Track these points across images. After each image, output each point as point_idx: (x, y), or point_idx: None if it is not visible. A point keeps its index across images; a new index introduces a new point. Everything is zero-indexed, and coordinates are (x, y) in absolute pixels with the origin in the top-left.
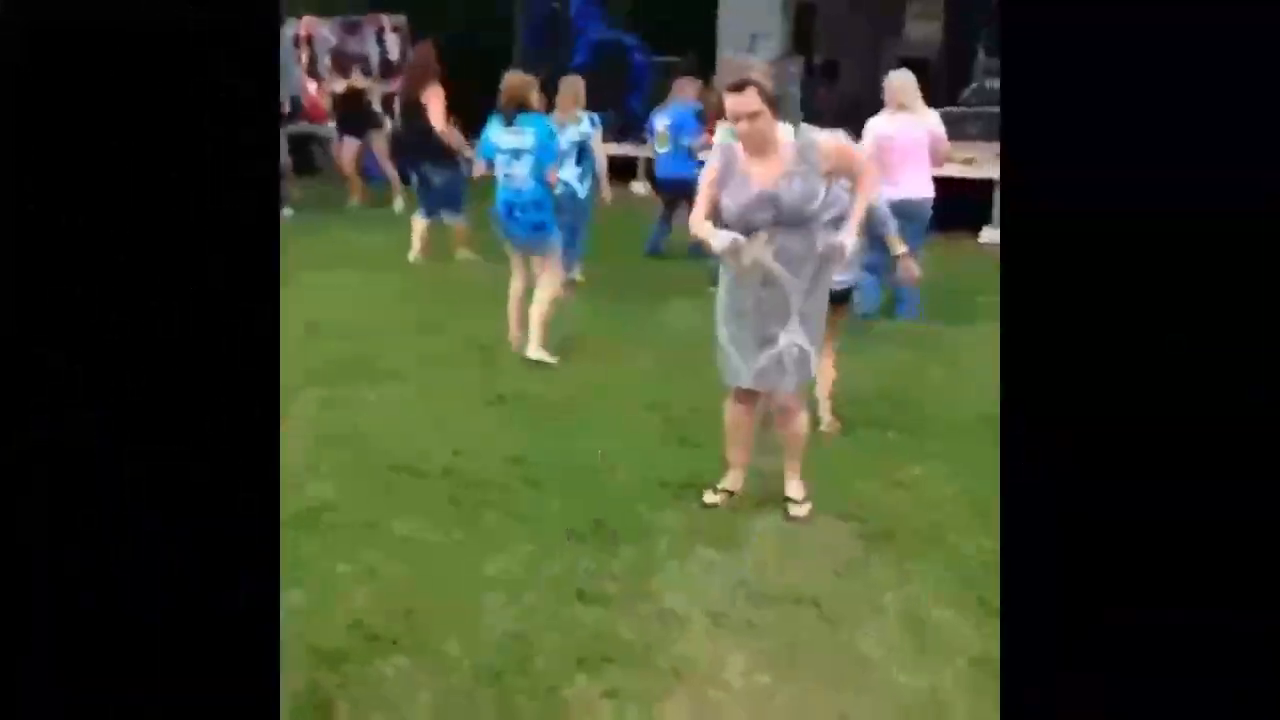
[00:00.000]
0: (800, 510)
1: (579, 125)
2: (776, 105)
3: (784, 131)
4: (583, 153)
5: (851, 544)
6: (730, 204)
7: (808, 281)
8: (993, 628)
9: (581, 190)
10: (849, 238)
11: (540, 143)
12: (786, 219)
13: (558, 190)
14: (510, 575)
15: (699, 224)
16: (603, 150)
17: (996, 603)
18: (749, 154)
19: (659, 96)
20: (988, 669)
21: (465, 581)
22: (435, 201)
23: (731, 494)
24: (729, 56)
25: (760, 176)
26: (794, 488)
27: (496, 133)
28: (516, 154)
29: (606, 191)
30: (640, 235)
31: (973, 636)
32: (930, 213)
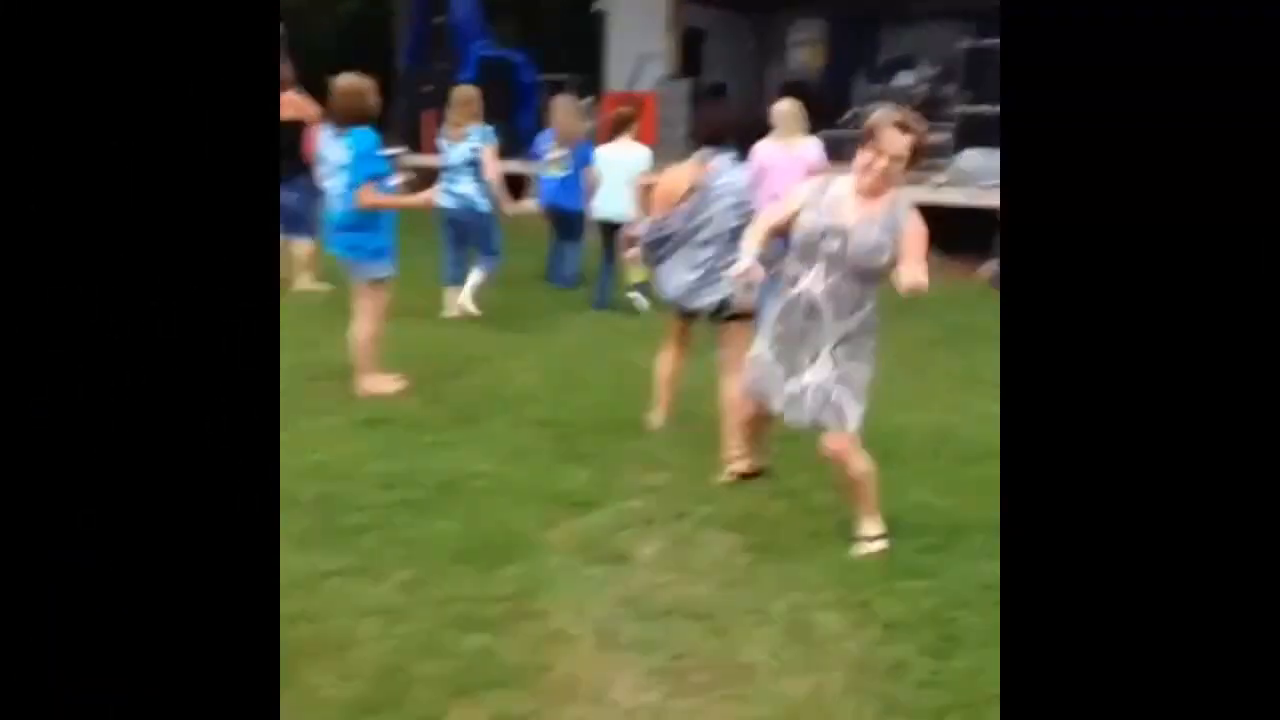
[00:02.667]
0: (868, 548)
1: (468, 140)
2: (916, 162)
3: (892, 190)
4: (479, 166)
5: (738, 555)
6: (805, 221)
7: (852, 326)
8: (874, 631)
9: (482, 204)
10: (915, 272)
11: (355, 159)
12: (848, 260)
13: (454, 204)
14: (388, 603)
15: (752, 236)
16: (496, 164)
17: (877, 605)
18: (856, 193)
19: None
20: (870, 670)
21: (340, 611)
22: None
23: (747, 475)
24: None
25: (848, 211)
26: (864, 525)
27: (327, 142)
28: (337, 169)
29: (507, 206)
30: (530, 252)
31: (855, 639)
32: None
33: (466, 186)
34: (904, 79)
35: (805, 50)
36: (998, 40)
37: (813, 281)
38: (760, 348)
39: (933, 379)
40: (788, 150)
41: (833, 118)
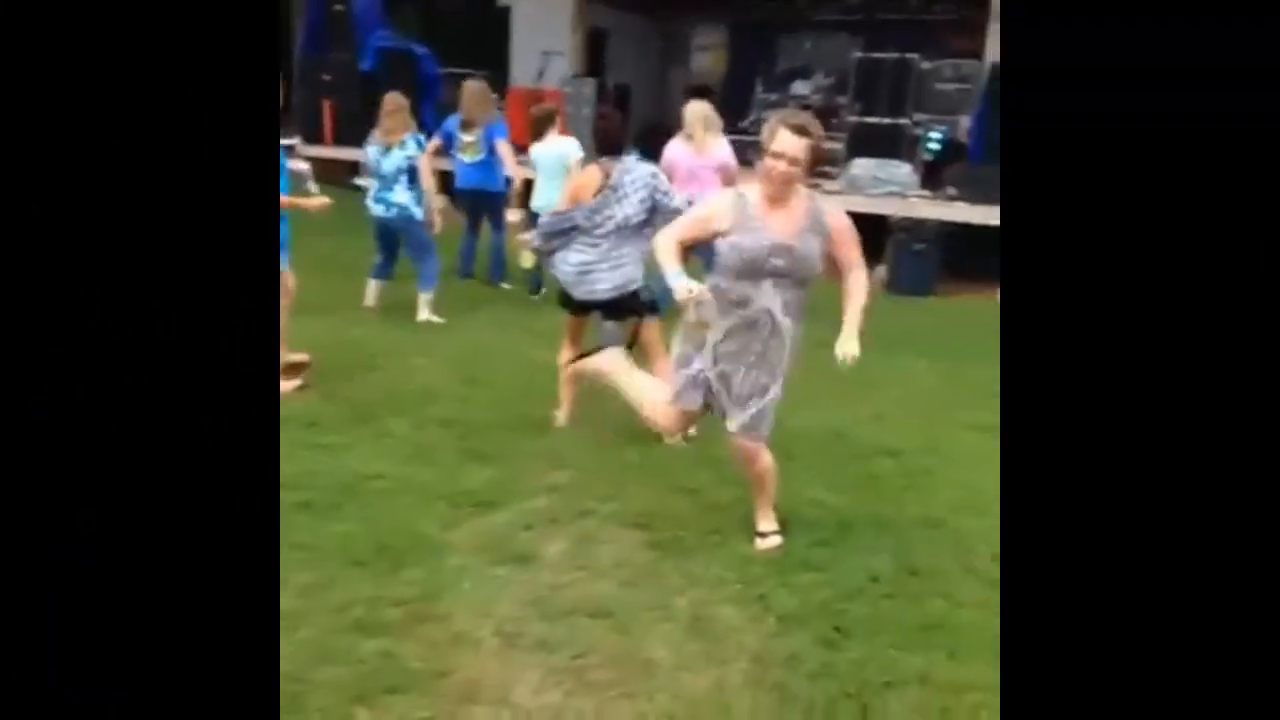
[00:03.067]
0: (767, 543)
1: (404, 149)
2: (816, 166)
3: (800, 191)
4: (414, 174)
5: (641, 553)
6: (744, 246)
7: (795, 336)
8: (770, 624)
9: (419, 212)
10: (851, 346)
11: None
12: (795, 272)
13: (390, 214)
14: (284, 608)
15: (668, 253)
16: (429, 172)
17: (773, 599)
18: (766, 202)
19: (449, 109)
20: (767, 663)
21: None
22: None
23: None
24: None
25: (775, 228)
26: (763, 522)
27: None
28: None
29: (435, 215)
30: (441, 248)
31: (753, 632)
32: None
33: (402, 195)
34: (800, 88)
35: (708, 56)
36: (888, 53)
37: (768, 299)
38: (702, 363)
39: (824, 380)
40: (698, 152)
41: (734, 122)
